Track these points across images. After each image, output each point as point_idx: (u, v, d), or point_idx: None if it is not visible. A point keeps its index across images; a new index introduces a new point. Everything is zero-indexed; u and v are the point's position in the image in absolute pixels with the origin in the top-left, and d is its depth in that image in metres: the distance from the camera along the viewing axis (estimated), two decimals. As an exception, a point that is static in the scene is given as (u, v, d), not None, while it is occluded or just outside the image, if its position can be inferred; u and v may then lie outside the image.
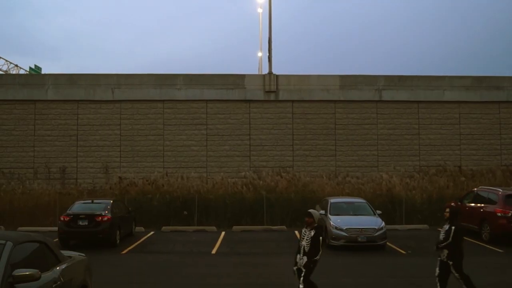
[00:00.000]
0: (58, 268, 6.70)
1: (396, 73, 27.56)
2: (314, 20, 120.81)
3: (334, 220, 17.24)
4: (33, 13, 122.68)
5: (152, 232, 21.39)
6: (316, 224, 9.12)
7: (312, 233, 8.80)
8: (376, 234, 16.74)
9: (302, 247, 8.89)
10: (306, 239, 8.86)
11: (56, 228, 18.58)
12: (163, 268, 13.83)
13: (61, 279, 6.53)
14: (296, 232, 20.33)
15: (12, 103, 27.49)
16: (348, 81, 28.13)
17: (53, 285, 6.25)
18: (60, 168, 27.18)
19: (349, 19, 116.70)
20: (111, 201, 19.23)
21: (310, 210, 9.26)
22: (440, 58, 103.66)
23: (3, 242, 5.76)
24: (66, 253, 7.91)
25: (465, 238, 10.50)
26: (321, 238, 8.94)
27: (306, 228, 9.01)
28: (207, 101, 27.77)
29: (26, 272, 5.42)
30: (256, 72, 45.35)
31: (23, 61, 67.33)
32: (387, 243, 17.07)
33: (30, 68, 45.95)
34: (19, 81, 28.31)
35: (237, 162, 27.37)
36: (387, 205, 23.51)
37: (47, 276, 6.18)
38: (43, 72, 45.03)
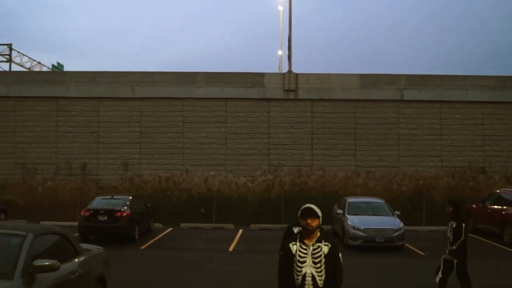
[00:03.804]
0: (76, 260, 6.79)
1: (418, 73, 27.22)
2: (334, 18, 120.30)
3: (352, 220, 17.16)
4: (56, 11, 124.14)
5: (170, 229, 21.52)
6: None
7: (326, 249, 4.84)
8: (394, 234, 16.61)
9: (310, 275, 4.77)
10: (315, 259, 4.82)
11: (76, 223, 18.82)
12: (181, 264, 13.89)
13: (79, 270, 6.60)
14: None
15: (35, 100, 27.84)
16: (368, 80, 27.93)
17: (72, 276, 6.33)
18: (81, 164, 27.44)
19: (370, 17, 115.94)
20: (130, 197, 19.42)
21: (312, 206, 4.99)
22: (462, 58, 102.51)
23: (24, 233, 5.86)
24: (85, 246, 8.01)
25: (484, 240, 10.30)
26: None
27: (307, 237, 4.91)
28: (226, 99, 27.80)
29: (46, 262, 5.51)
30: (276, 70, 45.32)
31: (46, 59, 68.22)
32: (406, 244, 16.93)
33: (53, 65, 46.43)
34: (41, 78, 28.65)
35: (256, 160, 27.35)
36: (407, 206, 23.35)
37: (66, 267, 6.26)
38: (65, 69, 45.48)
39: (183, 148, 27.54)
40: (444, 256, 9.45)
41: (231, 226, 22.47)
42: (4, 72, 36.61)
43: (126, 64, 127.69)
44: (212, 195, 24.02)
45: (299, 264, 4.76)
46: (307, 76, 28.12)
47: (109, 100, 27.87)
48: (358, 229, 16.71)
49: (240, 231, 21.08)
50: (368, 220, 17.22)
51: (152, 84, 27.90)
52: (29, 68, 45.04)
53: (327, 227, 19.95)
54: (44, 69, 46.68)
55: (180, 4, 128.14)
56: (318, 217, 4.85)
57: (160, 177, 26.60)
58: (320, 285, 4.70)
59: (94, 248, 8.23)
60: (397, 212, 18.18)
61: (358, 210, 18.12)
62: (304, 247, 4.80)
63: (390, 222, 17.17)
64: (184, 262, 14.28)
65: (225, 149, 27.55)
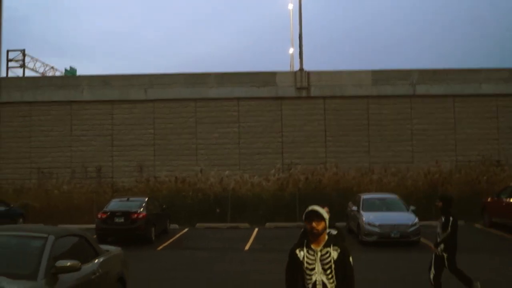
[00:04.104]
0: (96, 260, 6.91)
1: (430, 67, 27.10)
2: (344, 14, 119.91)
3: (367, 216, 17.17)
4: (67, 15, 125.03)
5: (186, 229, 21.66)
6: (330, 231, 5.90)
7: (336, 254, 4.50)
8: (410, 230, 16.60)
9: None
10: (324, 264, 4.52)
11: (92, 226, 19.02)
12: (197, 264, 14.00)
13: (100, 270, 6.73)
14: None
15: (49, 105, 28.13)
16: (380, 76, 27.87)
17: (92, 276, 6.45)
18: (96, 168, 27.67)
19: (381, 12, 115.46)
20: (146, 199, 19.60)
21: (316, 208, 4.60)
22: (474, 52, 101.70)
23: (45, 235, 6.00)
24: (103, 247, 8.14)
25: (500, 233, 10.27)
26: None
27: (314, 242, 4.58)
28: (238, 99, 27.89)
29: (67, 263, 5.63)
30: (287, 68, 45.33)
31: (59, 63, 68.97)
32: (422, 239, 16.90)
33: (66, 69, 46.85)
34: (55, 83, 28.94)
35: (269, 159, 27.41)
36: (422, 201, 23.28)
37: (87, 267, 6.39)
38: (78, 73, 45.90)
39: (197, 149, 27.68)
40: (434, 252, 9.47)
41: (246, 225, 22.57)
42: (18, 77, 37.04)
43: (138, 66, 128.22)
44: (227, 195, 24.16)
45: (308, 272, 4.45)
46: (319, 73, 28.13)
47: (122, 102, 28.09)
48: (373, 225, 16.72)
49: (256, 230, 21.16)
50: (383, 216, 17.22)
51: (164, 86, 28.07)
52: (42, 73, 45.49)
53: (342, 224, 19.99)
54: (57, 73, 47.12)
55: (190, 5, 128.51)
56: (323, 219, 4.49)
57: (176, 178, 26.77)
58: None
59: (112, 248, 8.37)
60: (412, 208, 18.16)
61: (372, 206, 18.12)
62: (312, 252, 4.49)
63: (405, 217, 17.16)
64: (200, 262, 14.39)
65: (239, 149, 27.64)
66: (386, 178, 26.38)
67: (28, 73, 43.14)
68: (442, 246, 9.22)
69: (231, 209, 23.71)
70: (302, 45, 28.97)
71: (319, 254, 4.46)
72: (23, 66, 43.76)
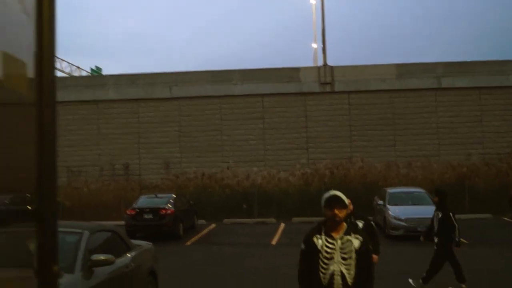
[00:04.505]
0: (129, 255, 7.13)
1: (455, 60, 26.85)
2: (366, 7, 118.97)
3: (393, 210, 17.16)
4: (93, 15, 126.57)
5: (213, 225, 21.90)
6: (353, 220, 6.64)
7: (357, 243, 4.20)
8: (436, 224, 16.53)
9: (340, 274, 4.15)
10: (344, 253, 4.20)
11: (121, 222, 19.38)
12: (225, 259, 14.19)
13: (132, 264, 6.95)
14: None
15: (76, 104, 28.63)
16: (405, 69, 27.70)
17: (125, 270, 6.67)
18: (124, 165, 28.09)
19: (404, 5, 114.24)
20: (174, 195, 19.91)
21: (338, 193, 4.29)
22: (500, 44, 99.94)
23: (81, 231, 6.25)
24: (134, 242, 8.37)
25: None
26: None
27: (334, 230, 4.26)
28: (263, 95, 28.01)
29: (102, 257, 5.86)
30: (311, 64, 45.25)
31: (85, 62, 70.04)
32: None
33: (91, 69, 47.51)
34: (82, 83, 29.45)
35: (295, 155, 27.49)
36: (449, 194, 23.10)
37: (120, 261, 6.61)
38: (103, 72, 46.54)
39: (222, 145, 27.89)
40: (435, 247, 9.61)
41: (273, 220, 22.72)
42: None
43: (163, 65, 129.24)
44: (254, 191, 24.33)
45: (326, 261, 4.11)
46: (343, 68, 28.08)
47: (148, 101, 28.44)
48: (400, 219, 16.71)
49: (282, 225, 21.30)
50: (409, 210, 17.19)
51: (188, 84, 28.34)
52: (69, 73, 46.21)
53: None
54: (83, 73, 47.83)
55: (214, 4, 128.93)
56: (346, 206, 4.20)
57: (202, 174, 27.04)
58: (350, 284, 4.09)
59: (143, 243, 8.60)
60: (438, 201, 18.07)
61: (398, 200, 18.10)
62: (331, 241, 4.14)
63: (431, 211, 17.09)
64: (228, 256, 14.59)
65: (264, 145, 27.77)
66: (413, 172, 26.25)
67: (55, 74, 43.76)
68: (436, 240, 9.35)
69: (258, 204, 23.90)
70: (325, 40, 29.00)
71: (339, 242, 4.14)
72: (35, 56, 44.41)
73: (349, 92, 27.78)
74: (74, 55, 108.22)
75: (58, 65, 45.55)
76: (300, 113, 27.83)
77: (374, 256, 7.30)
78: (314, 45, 46.75)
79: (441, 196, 9.47)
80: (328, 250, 4.12)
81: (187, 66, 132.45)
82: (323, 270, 4.11)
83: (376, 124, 27.46)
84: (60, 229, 5.11)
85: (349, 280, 4.08)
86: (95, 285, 5.77)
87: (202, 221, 22.43)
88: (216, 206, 24.46)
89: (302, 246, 4.30)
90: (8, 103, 1.45)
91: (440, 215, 9.35)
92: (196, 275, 12.22)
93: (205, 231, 20.32)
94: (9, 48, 1.33)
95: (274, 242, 17.29)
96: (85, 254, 5.87)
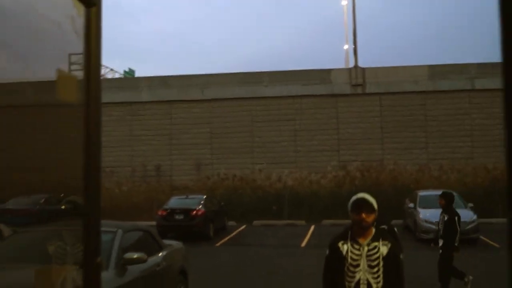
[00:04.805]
0: (160, 254, 7.33)
1: (489, 60, 26.36)
2: (399, 10, 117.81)
3: (424, 214, 17.04)
4: (125, 17, 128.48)
5: (243, 226, 22.07)
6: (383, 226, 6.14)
7: (385, 249, 3.93)
8: (468, 227, 16.34)
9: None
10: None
11: (152, 222, 19.70)
12: (254, 260, 14.32)
13: (163, 263, 7.14)
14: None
15: (110, 106, 29.12)
16: (437, 71, 27.40)
17: (157, 268, 6.86)
18: (155, 166, 28.47)
19: (435, 5, 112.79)
20: (204, 197, 20.15)
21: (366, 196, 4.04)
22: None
23: (115, 229, 6.45)
24: (166, 242, 8.57)
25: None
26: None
27: (361, 235, 4.00)
28: (294, 97, 28.05)
29: (135, 255, 6.05)
30: (342, 65, 45.11)
31: (118, 65, 71.40)
32: (481, 236, 16.62)
33: (125, 71, 48.25)
34: (116, 85, 29.95)
35: (326, 156, 27.46)
36: (482, 198, 22.80)
37: (152, 260, 6.81)
38: (136, 74, 47.23)
39: (253, 147, 28.04)
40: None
41: (303, 222, 22.77)
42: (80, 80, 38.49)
43: (195, 67, 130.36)
44: (284, 193, 24.41)
45: (352, 269, 3.87)
46: (375, 70, 27.94)
47: (180, 102, 28.78)
48: (430, 222, 16.57)
49: (312, 227, 21.33)
50: (437, 212, 17.04)
51: (220, 86, 28.58)
52: (103, 75, 47.07)
53: (398, 222, 19.92)
54: (117, 75, 48.61)
55: (245, 6, 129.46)
56: (374, 211, 3.92)
57: (233, 176, 27.23)
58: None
59: (174, 243, 8.79)
60: (470, 204, 17.88)
61: (429, 203, 17.93)
62: (357, 247, 3.91)
63: (463, 214, 16.83)
64: (257, 257, 14.71)
65: (295, 147, 27.81)
66: (445, 174, 25.95)
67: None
68: (441, 242, 9.36)
69: (288, 206, 23.96)
70: (356, 42, 28.90)
71: (365, 248, 3.89)
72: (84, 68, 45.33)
73: (381, 94, 27.62)
74: (107, 57, 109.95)
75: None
76: (331, 115, 27.79)
77: None
78: (346, 47, 46.64)
79: (447, 199, 9.57)
80: (354, 257, 3.89)
81: (219, 68, 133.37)
82: (348, 278, 3.87)
83: (408, 126, 27.22)
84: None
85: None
86: (128, 282, 5.96)
87: (232, 223, 22.62)
88: (247, 207, 24.62)
89: (327, 251, 4.09)
90: (58, 112, 1.60)
91: (446, 218, 9.42)
92: (225, 275, 12.38)
93: (235, 232, 20.49)
94: (63, 64, 1.49)
95: (303, 244, 17.34)
96: (119, 252, 6.07)
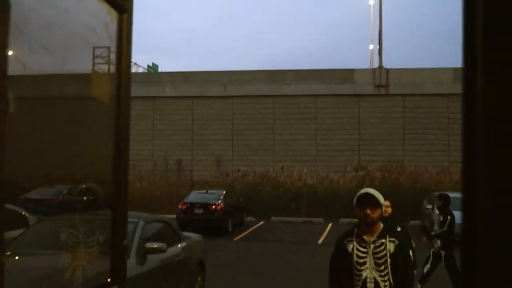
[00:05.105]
0: (180, 245, 7.53)
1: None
2: (426, 11, 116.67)
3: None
4: (150, 12, 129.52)
5: (262, 222, 22.23)
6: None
7: (392, 246, 3.75)
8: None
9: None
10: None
11: (172, 216, 19.97)
12: (271, 255, 14.48)
13: (182, 254, 7.35)
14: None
15: (133, 100, 29.04)
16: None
17: (176, 258, 7.07)
18: (177, 161, 28.75)
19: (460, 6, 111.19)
20: (224, 192, 20.38)
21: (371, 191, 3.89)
22: None
23: (136, 220, 6.68)
24: (185, 234, 8.78)
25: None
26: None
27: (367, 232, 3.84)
28: (316, 96, 28.09)
29: (155, 245, 6.26)
30: (366, 65, 44.97)
31: (142, 59, 72.36)
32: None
33: (148, 66, 48.69)
34: (139, 79, 30.26)
35: (346, 156, 27.47)
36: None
37: (171, 250, 7.02)
38: (159, 69, 47.62)
39: (274, 144, 28.16)
40: (432, 249, 9.77)
41: (321, 220, 22.84)
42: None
43: (218, 64, 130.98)
44: (303, 190, 24.50)
45: (357, 267, 3.72)
46: (399, 71, 27.83)
47: (202, 98, 29.01)
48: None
49: (330, 225, 21.40)
50: (457, 215, 16.98)
51: (242, 83, 28.73)
52: (127, 69, 47.46)
53: (416, 223, 19.94)
54: (140, 69, 49.07)
55: (270, 4, 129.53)
56: (380, 205, 3.74)
57: (253, 172, 27.37)
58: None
59: (193, 235, 9.01)
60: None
61: (449, 205, 17.89)
62: (363, 244, 3.75)
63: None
64: (274, 253, 14.87)
65: (315, 145, 27.87)
66: (466, 178, 25.75)
67: (113, 70, 45.10)
68: (439, 243, 9.56)
69: (307, 204, 24.05)
70: (381, 42, 28.81)
71: (372, 246, 3.72)
72: (108, 62, 45.78)
73: (404, 95, 27.51)
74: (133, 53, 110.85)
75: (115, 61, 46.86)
76: (353, 115, 27.77)
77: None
78: (371, 46, 46.49)
79: (443, 200, 9.90)
80: (360, 254, 3.73)
81: (242, 65, 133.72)
82: (355, 277, 3.73)
83: (431, 128, 27.08)
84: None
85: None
86: (148, 271, 6.17)
87: (251, 218, 22.80)
88: (265, 204, 24.76)
89: (333, 250, 4.00)
90: (89, 107, 1.78)
91: (441, 219, 9.67)
92: (242, 268, 12.56)
93: (253, 227, 20.67)
94: (98, 66, 1.66)
95: (320, 241, 17.46)
96: (140, 242, 6.29)
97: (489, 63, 0.86)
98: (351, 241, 3.81)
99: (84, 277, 1.64)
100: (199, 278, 8.27)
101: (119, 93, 1.69)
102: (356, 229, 3.87)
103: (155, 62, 50.19)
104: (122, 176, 1.66)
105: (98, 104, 1.73)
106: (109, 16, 1.65)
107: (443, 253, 9.60)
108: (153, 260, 6.33)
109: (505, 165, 0.86)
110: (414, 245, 7.17)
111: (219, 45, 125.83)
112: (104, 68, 1.76)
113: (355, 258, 3.74)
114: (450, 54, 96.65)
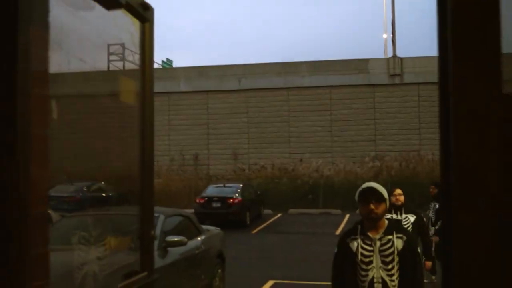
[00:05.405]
0: (199, 238, 7.71)
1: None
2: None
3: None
4: (164, 7, 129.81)
5: (279, 214, 22.39)
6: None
7: (400, 243, 3.49)
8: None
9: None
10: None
11: (190, 210, 20.22)
12: (290, 246, 14.64)
13: (202, 247, 7.52)
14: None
15: (150, 96, 29.74)
16: (477, 61, 26.96)
17: (196, 251, 7.24)
18: (193, 155, 28.94)
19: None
20: (241, 185, 20.57)
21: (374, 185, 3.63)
22: None
23: (157, 214, 6.86)
24: (204, 227, 8.96)
25: None
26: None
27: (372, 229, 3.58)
28: (331, 87, 28.07)
29: (175, 238, 6.44)
30: (381, 54, 44.74)
31: (156, 55, 72.84)
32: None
33: (163, 61, 48.88)
34: (154, 75, 30.43)
35: (362, 147, 27.44)
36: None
37: (191, 243, 7.19)
38: (174, 64, 47.86)
39: (289, 136, 28.23)
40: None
41: (338, 211, 22.93)
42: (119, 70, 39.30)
43: (233, 56, 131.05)
44: (319, 182, 24.59)
45: (363, 266, 3.45)
46: (413, 60, 27.70)
47: (217, 92, 29.14)
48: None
49: (347, 216, 21.48)
50: None
51: (257, 76, 28.80)
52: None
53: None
54: (155, 65, 49.22)
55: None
56: (384, 200, 3.50)
57: (270, 165, 27.50)
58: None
59: (212, 229, 9.19)
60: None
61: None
62: (369, 242, 3.48)
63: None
64: (293, 244, 15.04)
65: (331, 136, 27.88)
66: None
67: (128, 66, 45.45)
68: (433, 230, 9.41)
69: (324, 195, 24.15)
70: (395, 31, 28.68)
71: (378, 243, 3.46)
72: (123, 59, 46.13)
73: (419, 84, 27.37)
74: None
75: (130, 57, 47.20)
76: (368, 105, 27.72)
77: (427, 263, 6.93)
78: (384, 35, 46.22)
79: (439, 188, 9.75)
80: (366, 253, 3.46)
81: (256, 58, 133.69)
82: (361, 277, 3.46)
83: (446, 117, 26.87)
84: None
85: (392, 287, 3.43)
86: (169, 263, 6.35)
87: (268, 211, 22.97)
88: (283, 196, 24.91)
89: (335, 249, 3.71)
90: (117, 111, 1.92)
91: (437, 206, 9.58)
92: (260, 260, 12.73)
93: (271, 220, 20.84)
94: (125, 72, 1.82)
95: (338, 232, 17.57)
96: (161, 235, 6.46)
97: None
98: (355, 239, 3.54)
99: (116, 265, 1.79)
100: (219, 270, 8.45)
101: (144, 95, 1.84)
102: (359, 226, 3.60)
103: (169, 58, 50.41)
104: (148, 173, 1.81)
105: (126, 107, 1.88)
106: (134, 26, 1.80)
107: (432, 231, 9.34)
108: (174, 253, 6.51)
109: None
110: (431, 233, 7.15)
111: (232, 38, 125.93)
112: (130, 73, 1.92)
113: (360, 257, 3.48)
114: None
